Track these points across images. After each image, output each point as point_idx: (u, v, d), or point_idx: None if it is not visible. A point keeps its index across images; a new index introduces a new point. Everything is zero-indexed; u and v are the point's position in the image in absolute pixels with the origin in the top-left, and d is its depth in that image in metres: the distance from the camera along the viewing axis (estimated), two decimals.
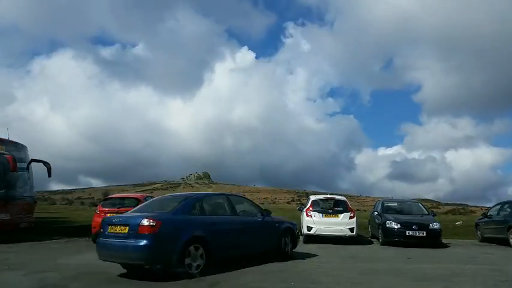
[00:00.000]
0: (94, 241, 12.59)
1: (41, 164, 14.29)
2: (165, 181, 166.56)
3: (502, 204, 14.40)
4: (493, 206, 15.27)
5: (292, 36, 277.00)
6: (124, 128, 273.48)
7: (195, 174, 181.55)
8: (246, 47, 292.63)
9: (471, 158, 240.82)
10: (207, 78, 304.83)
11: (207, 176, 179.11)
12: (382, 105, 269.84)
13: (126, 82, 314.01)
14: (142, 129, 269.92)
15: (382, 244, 12.93)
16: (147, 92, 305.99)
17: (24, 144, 14.30)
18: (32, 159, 14.28)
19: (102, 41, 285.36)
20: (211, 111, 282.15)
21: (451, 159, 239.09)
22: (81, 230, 14.94)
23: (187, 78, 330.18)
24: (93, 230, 12.53)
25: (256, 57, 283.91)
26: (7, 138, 13.51)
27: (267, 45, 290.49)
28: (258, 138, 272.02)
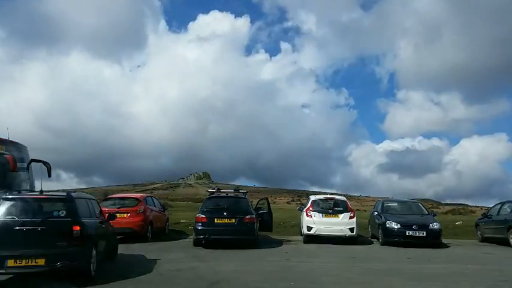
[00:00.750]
0: None
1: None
2: (165, 181, 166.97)
3: (502, 204, 14.39)
4: (493, 206, 15.24)
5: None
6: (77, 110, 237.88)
7: (195, 174, 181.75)
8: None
9: (468, 147, 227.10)
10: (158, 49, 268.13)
11: (207, 176, 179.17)
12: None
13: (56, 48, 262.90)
14: (100, 114, 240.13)
15: (382, 244, 12.91)
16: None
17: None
18: (32, 159, 14.25)
19: None
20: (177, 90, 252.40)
21: (444, 147, 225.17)
22: None
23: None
24: None
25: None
26: (7, 138, 13.50)
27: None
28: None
